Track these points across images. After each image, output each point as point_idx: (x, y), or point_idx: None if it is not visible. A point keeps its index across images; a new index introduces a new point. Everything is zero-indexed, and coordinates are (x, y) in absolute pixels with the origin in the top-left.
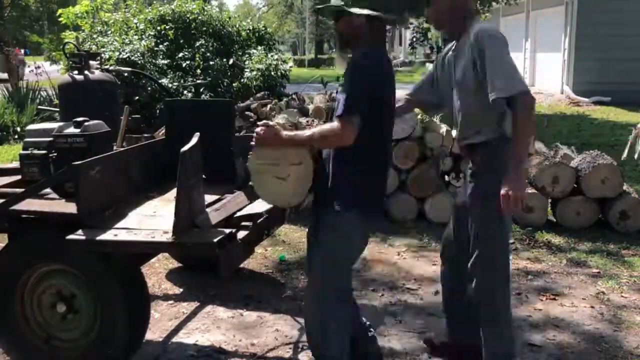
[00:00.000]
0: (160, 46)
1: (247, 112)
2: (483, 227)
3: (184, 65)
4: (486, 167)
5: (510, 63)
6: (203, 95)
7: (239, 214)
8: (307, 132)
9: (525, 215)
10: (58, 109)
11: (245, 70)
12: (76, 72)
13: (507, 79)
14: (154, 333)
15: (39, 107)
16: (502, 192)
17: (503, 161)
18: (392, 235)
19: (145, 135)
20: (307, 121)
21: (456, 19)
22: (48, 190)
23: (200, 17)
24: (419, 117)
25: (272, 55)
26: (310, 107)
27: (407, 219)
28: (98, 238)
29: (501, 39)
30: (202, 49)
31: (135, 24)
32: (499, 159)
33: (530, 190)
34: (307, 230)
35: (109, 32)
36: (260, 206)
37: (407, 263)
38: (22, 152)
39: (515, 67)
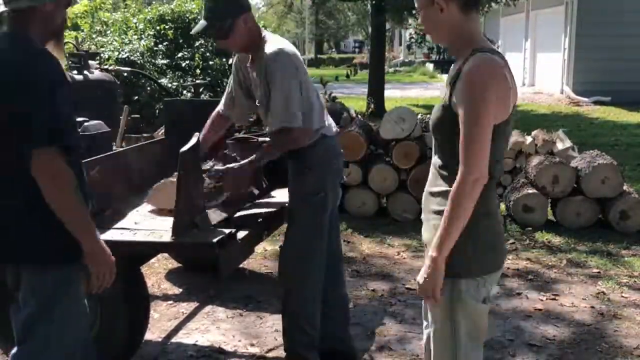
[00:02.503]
0: (160, 46)
1: None
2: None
3: (183, 65)
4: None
5: (286, 95)
6: (203, 95)
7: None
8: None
9: (524, 216)
10: None
11: None
12: (76, 71)
13: (277, 114)
14: (154, 333)
15: None
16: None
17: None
18: (391, 235)
19: (145, 135)
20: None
21: (253, 39)
22: None
23: (199, 17)
24: (418, 116)
25: None
26: None
27: (407, 219)
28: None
29: (284, 63)
30: (202, 49)
31: (135, 23)
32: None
33: (530, 190)
34: None
35: (108, 32)
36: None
37: (406, 263)
38: None
39: (289, 99)
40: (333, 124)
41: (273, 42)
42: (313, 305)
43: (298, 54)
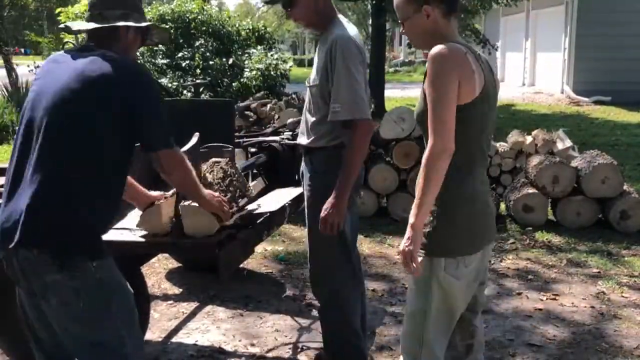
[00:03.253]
0: (160, 46)
1: (246, 112)
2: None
3: (183, 65)
4: (323, 169)
5: (357, 84)
6: (203, 95)
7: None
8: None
9: (524, 215)
10: None
11: (245, 69)
12: None
13: (348, 102)
14: (154, 333)
15: None
16: (321, 214)
17: (335, 168)
18: (391, 235)
19: None
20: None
21: (322, 16)
22: None
23: (199, 17)
24: None
25: (271, 55)
26: None
27: (407, 218)
28: None
29: (354, 54)
30: (202, 49)
31: None
32: (332, 165)
33: (530, 190)
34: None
35: None
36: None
37: None
38: None
39: (360, 88)
40: None
41: (344, 27)
42: (352, 315)
43: (363, 48)
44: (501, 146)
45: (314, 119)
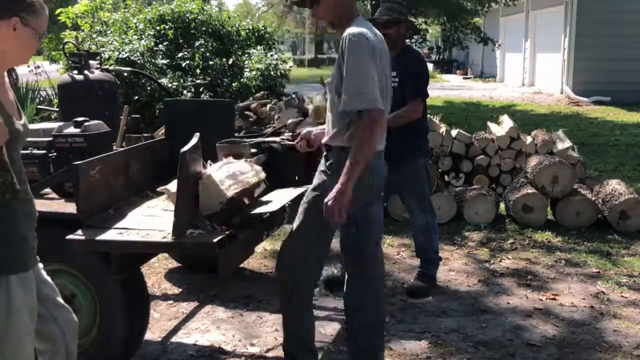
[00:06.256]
0: (160, 46)
1: (246, 112)
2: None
3: (183, 65)
4: (334, 170)
5: (363, 75)
6: (203, 95)
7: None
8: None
9: (524, 215)
10: (58, 109)
11: (245, 70)
12: (76, 71)
13: (354, 93)
14: (154, 333)
15: (39, 107)
16: (325, 199)
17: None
18: (391, 235)
19: (145, 135)
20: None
21: (343, 14)
22: (48, 190)
23: (199, 17)
24: None
25: (271, 55)
26: (310, 107)
27: (407, 218)
28: (98, 238)
29: (363, 45)
30: (202, 49)
31: (135, 23)
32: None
33: (530, 190)
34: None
35: (109, 32)
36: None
37: (406, 262)
38: (21, 151)
39: (367, 79)
40: (383, 138)
41: (360, 25)
42: (305, 307)
43: (381, 47)
44: (500, 140)
45: (331, 115)
